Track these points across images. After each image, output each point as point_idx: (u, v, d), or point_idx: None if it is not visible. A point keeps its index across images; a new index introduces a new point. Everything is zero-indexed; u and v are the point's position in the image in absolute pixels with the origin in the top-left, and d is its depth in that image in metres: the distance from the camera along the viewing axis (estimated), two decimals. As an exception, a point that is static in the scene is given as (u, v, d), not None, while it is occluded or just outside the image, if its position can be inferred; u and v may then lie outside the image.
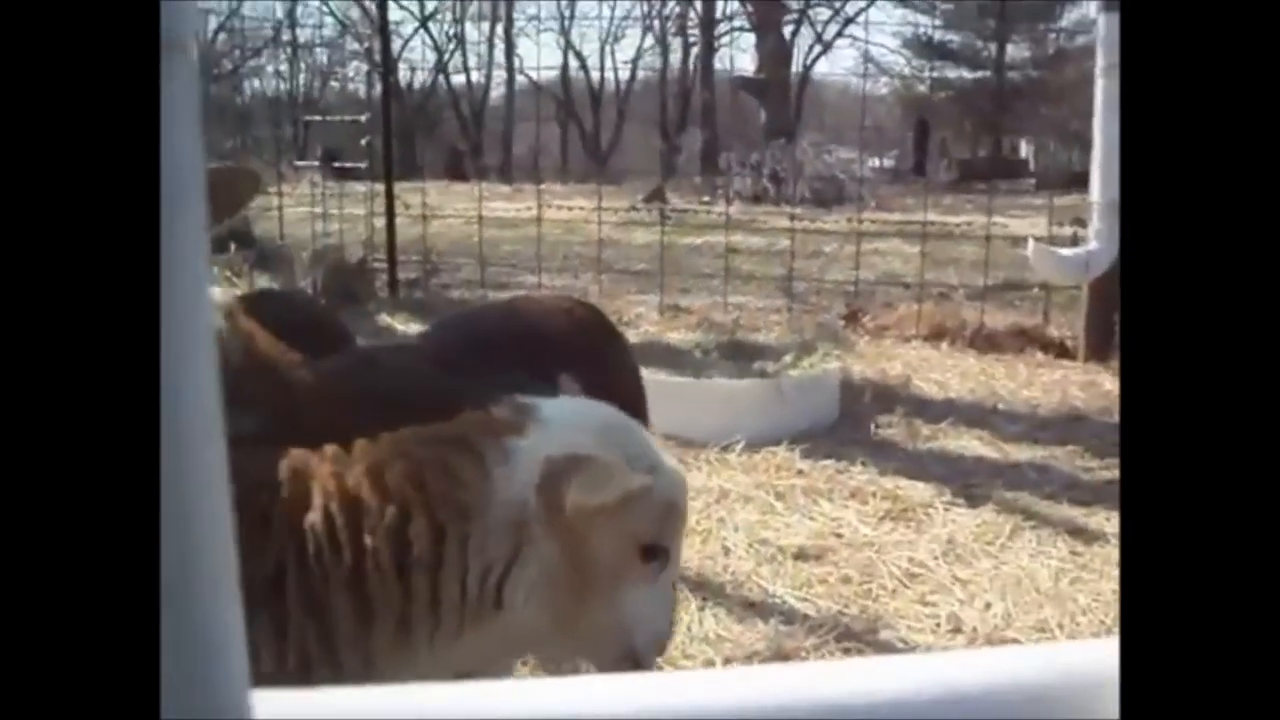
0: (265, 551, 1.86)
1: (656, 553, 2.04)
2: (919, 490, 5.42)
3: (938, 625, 4.12)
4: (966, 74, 35.52)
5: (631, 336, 7.95)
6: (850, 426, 6.50)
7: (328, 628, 1.89)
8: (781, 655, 3.86)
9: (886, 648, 3.92)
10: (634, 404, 3.08)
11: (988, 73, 35.10)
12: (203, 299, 0.50)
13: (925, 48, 35.68)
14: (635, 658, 2.11)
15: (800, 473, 5.66)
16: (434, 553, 1.91)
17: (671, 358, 7.05)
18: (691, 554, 4.71)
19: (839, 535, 4.92)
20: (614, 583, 2.02)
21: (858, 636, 3.99)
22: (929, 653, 3.75)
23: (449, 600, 1.93)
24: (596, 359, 3.01)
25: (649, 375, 6.48)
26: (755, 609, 4.24)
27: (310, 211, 12.34)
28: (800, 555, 4.70)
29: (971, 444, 6.24)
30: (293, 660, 1.86)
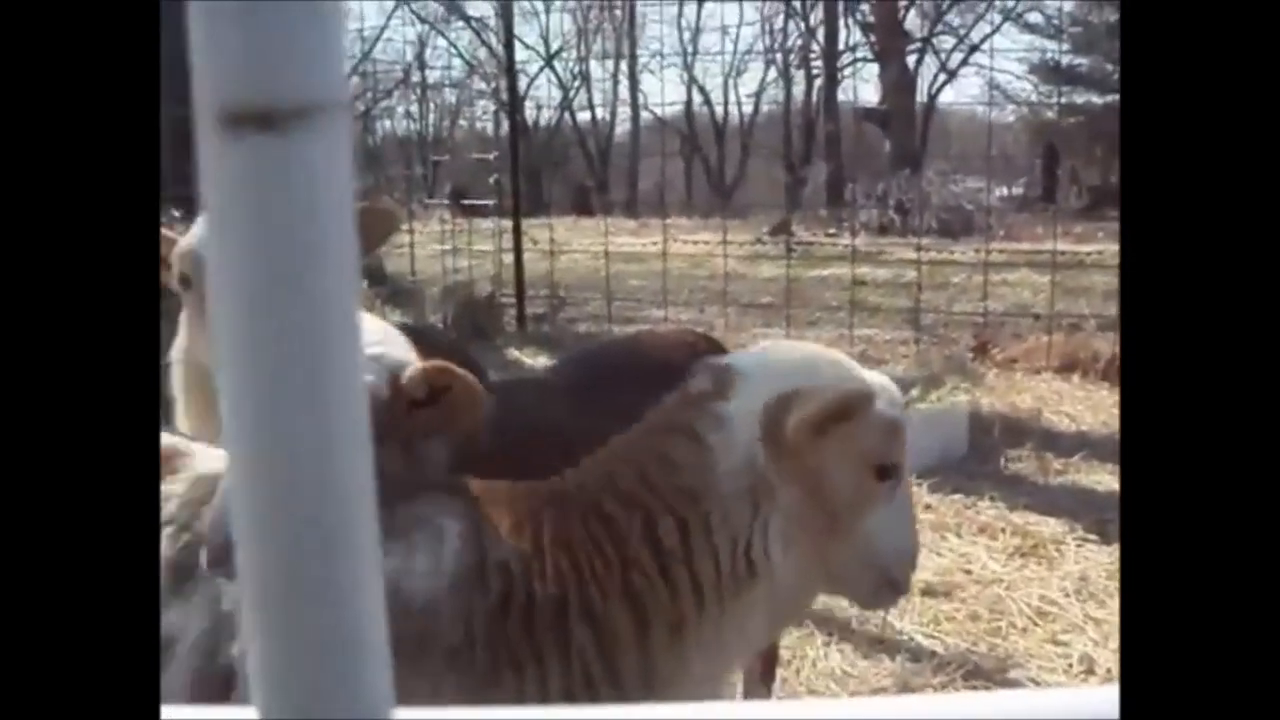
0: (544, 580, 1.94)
1: (889, 471, 2.07)
2: (1050, 526, 5.35)
3: (1070, 665, 4.06)
4: (1096, 98, 34.94)
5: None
6: (979, 460, 6.43)
7: (608, 641, 1.96)
8: (908, 693, 3.84)
9: (1016, 687, 3.88)
10: None
11: (1118, 96, 34.41)
12: (352, 330, 0.55)
13: (1053, 73, 35.18)
14: (892, 582, 2.14)
15: (928, 507, 5.62)
16: (684, 545, 1.97)
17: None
18: (818, 589, 4.70)
19: (967, 571, 4.88)
20: (857, 511, 2.05)
21: (986, 675, 3.95)
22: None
23: (709, 584, 1.99)
24: None
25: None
26: (882, 646, 4.22)
27: (440, 248, 12.54)
28: (928, 591, 4.67)
29: (1104, 478, 6.14)
30: (578, 677, 1.94)
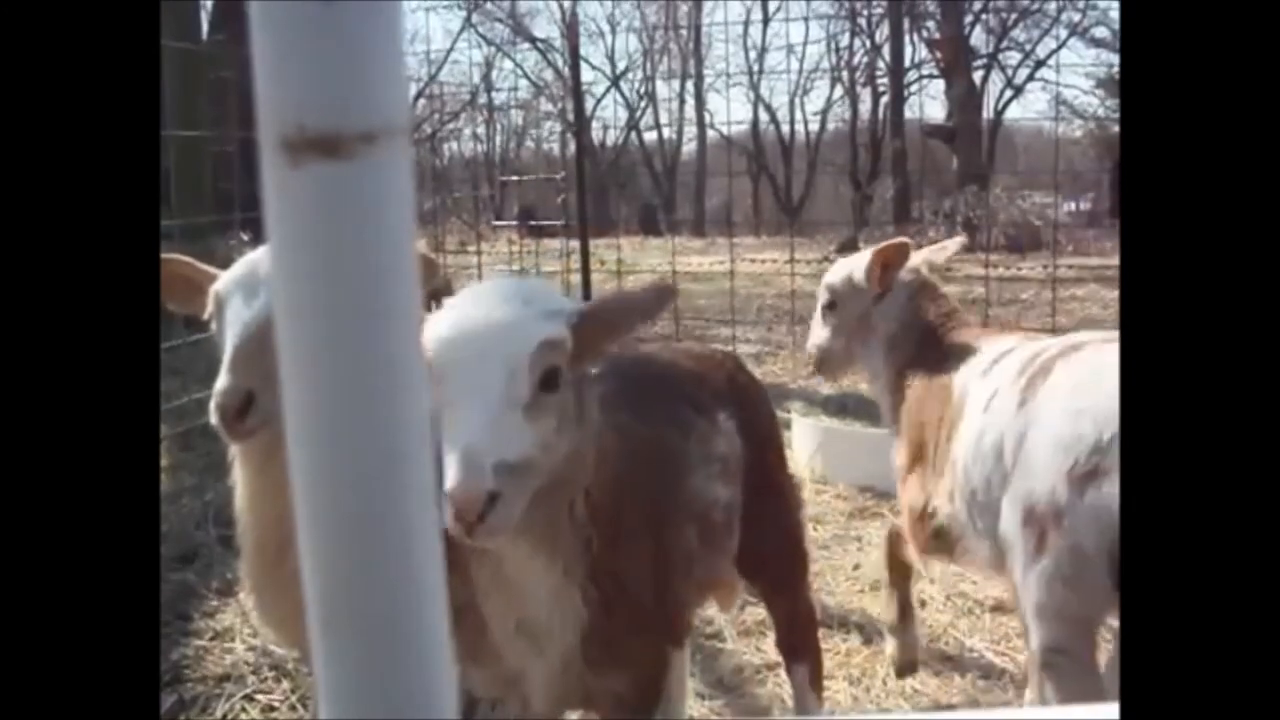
0: None
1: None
2: (1123, 542, 5.28)
3: (1142, 681, 4.01)
4: (1165, 112, 34.39)
5: (827, 388, 7.92)
6: (1049, 477, 6.34)
7: None
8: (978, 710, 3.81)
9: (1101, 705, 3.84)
10: (773, 436, 3.36)
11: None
12: (416, 350, 0.56)
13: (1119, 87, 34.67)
14: None
15: (998, 524, 5.57)
16: None
17: (868, 408, 7.00)
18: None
19: (1038, 588, 4.82)
20: None
21: (1058, 692, 3.91)
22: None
23: None
24: (744, 398, 3.18)
25: (844, 426, 6.49)
26: (952, 663, 4.19)
27: (508, 268, 12.60)
28: (998, 608, 4.63)
29: (1177, 494, 6.05)
30: None
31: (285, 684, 4.12)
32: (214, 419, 2.38)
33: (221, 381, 2.36)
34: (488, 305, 2.04)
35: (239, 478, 2.69)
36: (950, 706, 3.85)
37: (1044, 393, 2.88)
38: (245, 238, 8.32)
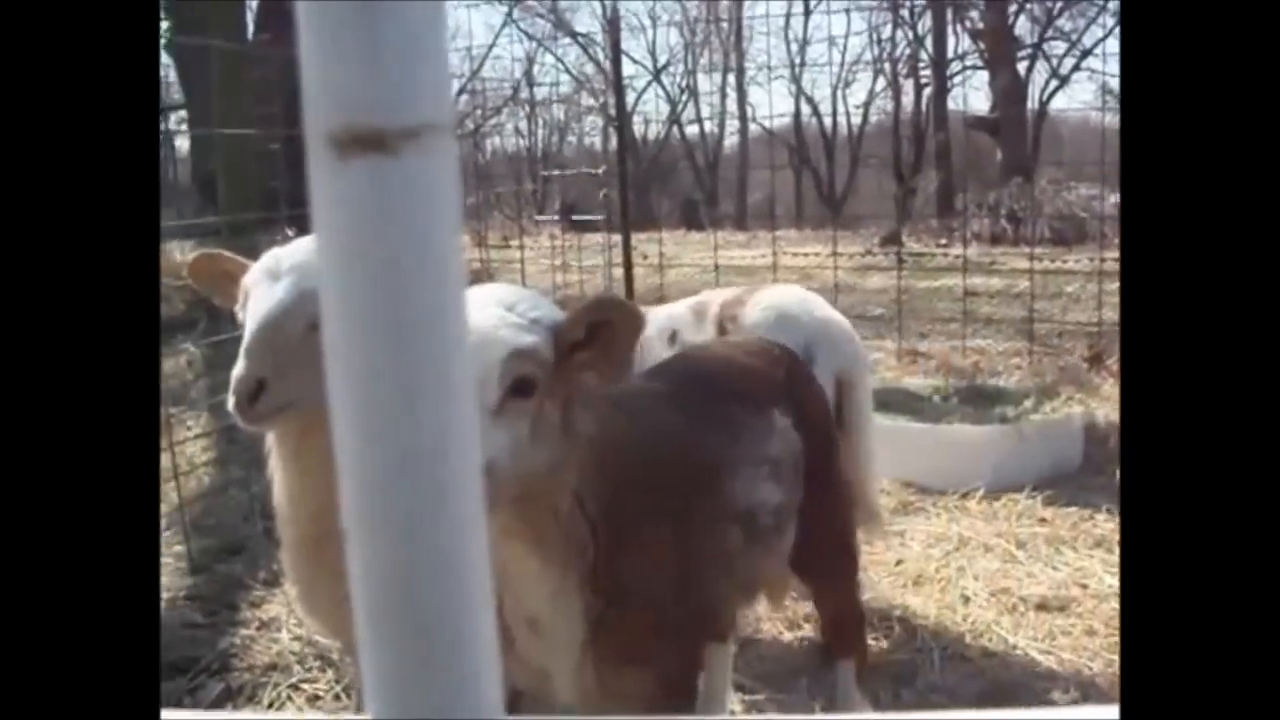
0: None
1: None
2: (1168, 538, 5.25)
3: (1188, 678, 3.99)
4: (1213, 103, 34.03)
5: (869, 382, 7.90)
6: (1094, 472, 6.31)
7: None
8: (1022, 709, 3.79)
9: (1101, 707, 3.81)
10: (828, 434, 3.34)
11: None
12: (460, 344, 0.56)
13: (1169, 78, 34.26)
14: None
15: (1043, 520, 5.55)
16: None
17: (910, 403, 6.99)
18: (929, 602, 4.67)
19: (1084, 586, 4.80)
20: None
21: (1102, 691, 3.89)
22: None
23: None
24: (800, 395, 3.15)
25: (887, 421, 6.48)
26: (995, 660, 4.18)
27: (550, 263, 12.63)
28: (1043, 606, 4.61)
29: (1224, 489, 6.00)
30: None
31: (330, 674, 4.16)
32: (229, 405, 2.43)
33: (237, 368, 2.41)
34: (470, 310, 2.06)
35: (275, 469, 2.72)
36: (992, 705, 3.84)
37: None
38: (291, 234, 8.37)
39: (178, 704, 3.96)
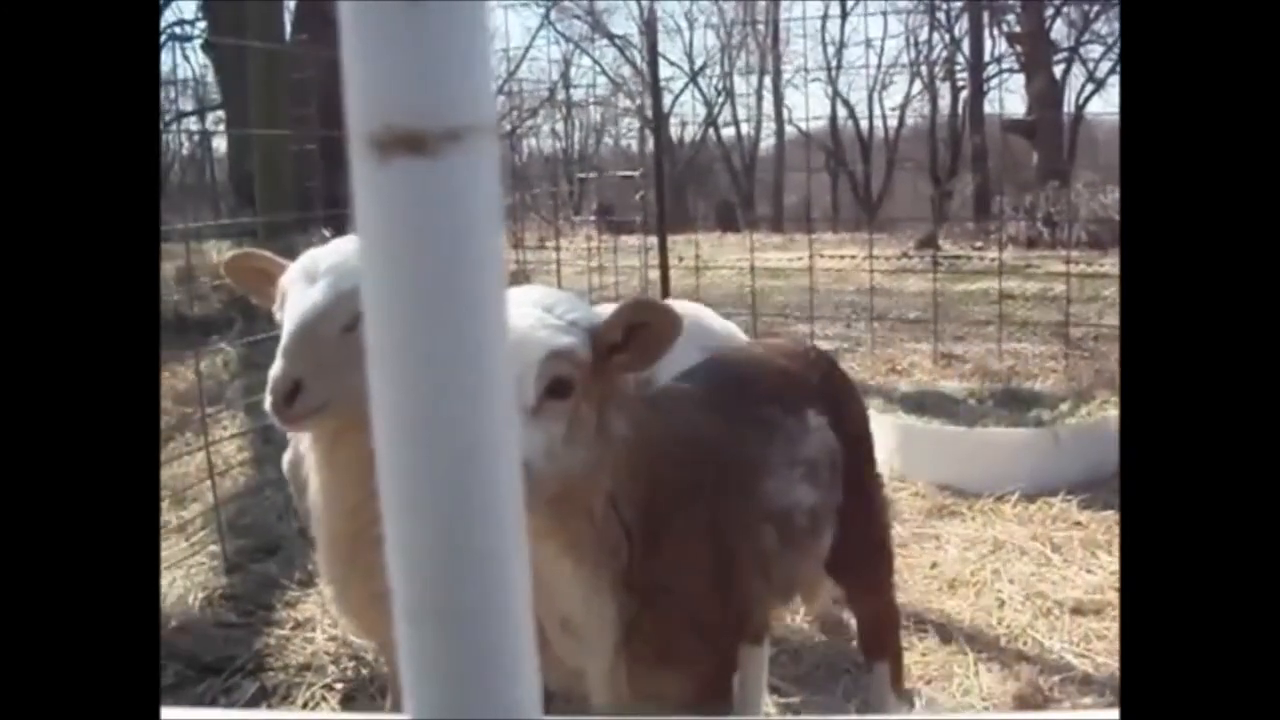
0: None
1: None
2: (1205, 543, 5.21)
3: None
4: (1251, 106, 33.75)
5: (905, 385, 7.89)
6: (1131, 476, 6.28)
7: None
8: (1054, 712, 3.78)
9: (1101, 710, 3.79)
10: (864, 436, 3.33)
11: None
12: (502, 345, 0.57)
13: (1207, 81, 34.00)
14: None
15: (1078, 524, 5.53)
16: None
17: (946, 406, 6.98)
18: (965, 606, 4.65)
19: (1118, 589, 4.78)
20: None
21: (1139, 694, 3.87)
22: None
23: None
24: (836, 397, 3.16)
25: (922, 424, 6.46)
26: (1030, 663, 4.16)
27: (586, 265, 12.64)
28: (1078, 610, 4.59)
29: (1261, 494, 5.96)
30: None
31: (365, 673, 4.17)
32: (266, 405, 2.44)
33: (274, 369, 2.42)
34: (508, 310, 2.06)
35: (310, 469, 2.73)
36: (1026, 709, 3.82)
37: None
38: (327, 234, 8.41)
39: (212, 703, 3.98)
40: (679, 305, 4.85)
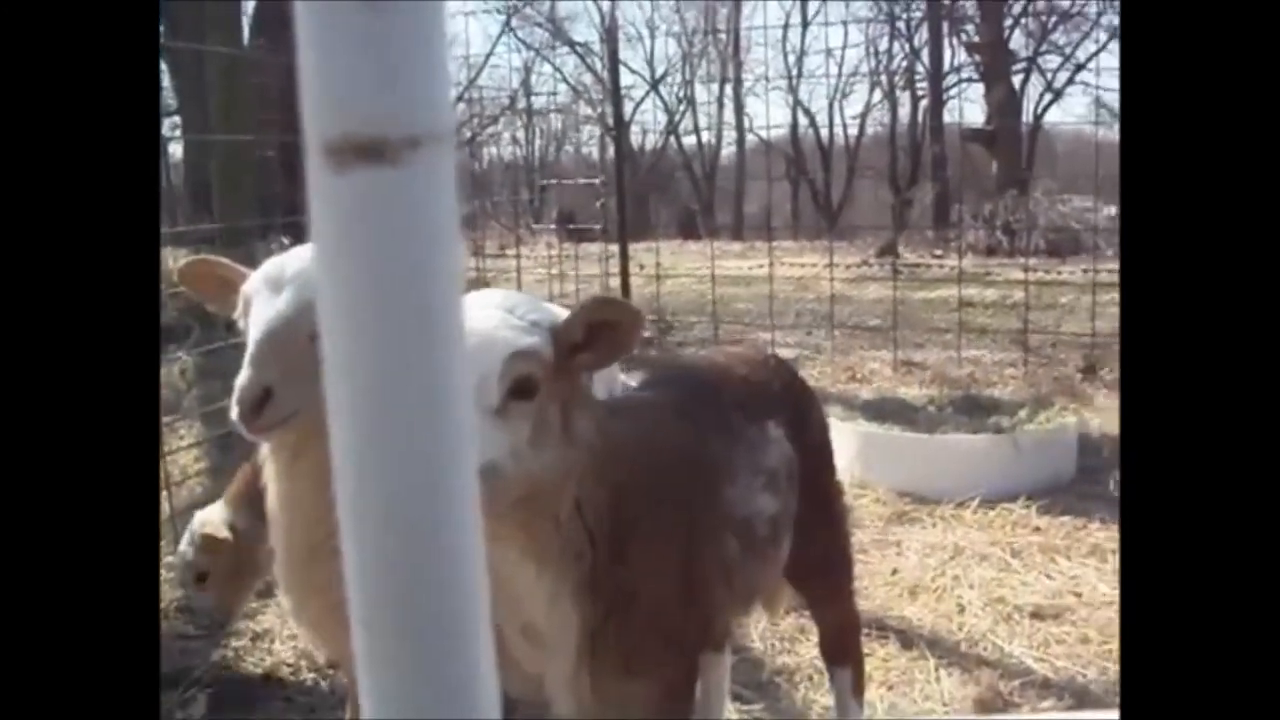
0: None
1: None
2: (1162, 548, 5.25)
3: (1182, 689, 3.99)
4: (1207, 116, 34.01)
5: (865, 392, 7.92)
6: (1089, 482, 6.34)
7: None
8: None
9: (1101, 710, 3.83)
10: (824, 444, 3.33)
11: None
12: (459, 353, 0.56)
13: (1163, 91, 34.21)
14: None
15: (1037, 530, 5.56)
16: None
17: (906, 413, 7.00)
18: (925, 611, 4.67)
19: (1077, 594, 4.82)
20: None
21: (1096, 699, 3.90)
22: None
23: None
24: (797, 405, 3.16)
25: (882, 431, 6.48)
26: (991, 668, 4.18)
27: (547, 273, 12.64)
28: (1037, 614, 4.63)
29: (1218, 500, 6.01)
30: None
31: (324, 685, 4.15)
32: (233, 415, 2.41)
33: (241, 378, 2.39)
34: (469, 313, 2.05)
35: (269, 480, 2.71)
36: (987, 713, 3.84)
37: None
38: (287, 242, 8.36)
39: (168, 717, 3.94)
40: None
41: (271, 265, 2.54)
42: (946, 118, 31.90)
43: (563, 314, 2.22)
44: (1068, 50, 35.55)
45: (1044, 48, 35.29)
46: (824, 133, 40.77)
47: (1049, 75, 36.32)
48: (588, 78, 37.77)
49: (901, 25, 36.50)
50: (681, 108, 42.20)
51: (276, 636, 4.50)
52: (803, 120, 39.87)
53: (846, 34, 41.11)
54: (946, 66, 34.63)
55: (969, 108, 35.96)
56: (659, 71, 41.33)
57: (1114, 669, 4.13)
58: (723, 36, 38.75)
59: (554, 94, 38.86)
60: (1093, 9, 31.86)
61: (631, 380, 5.12)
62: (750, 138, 40.53)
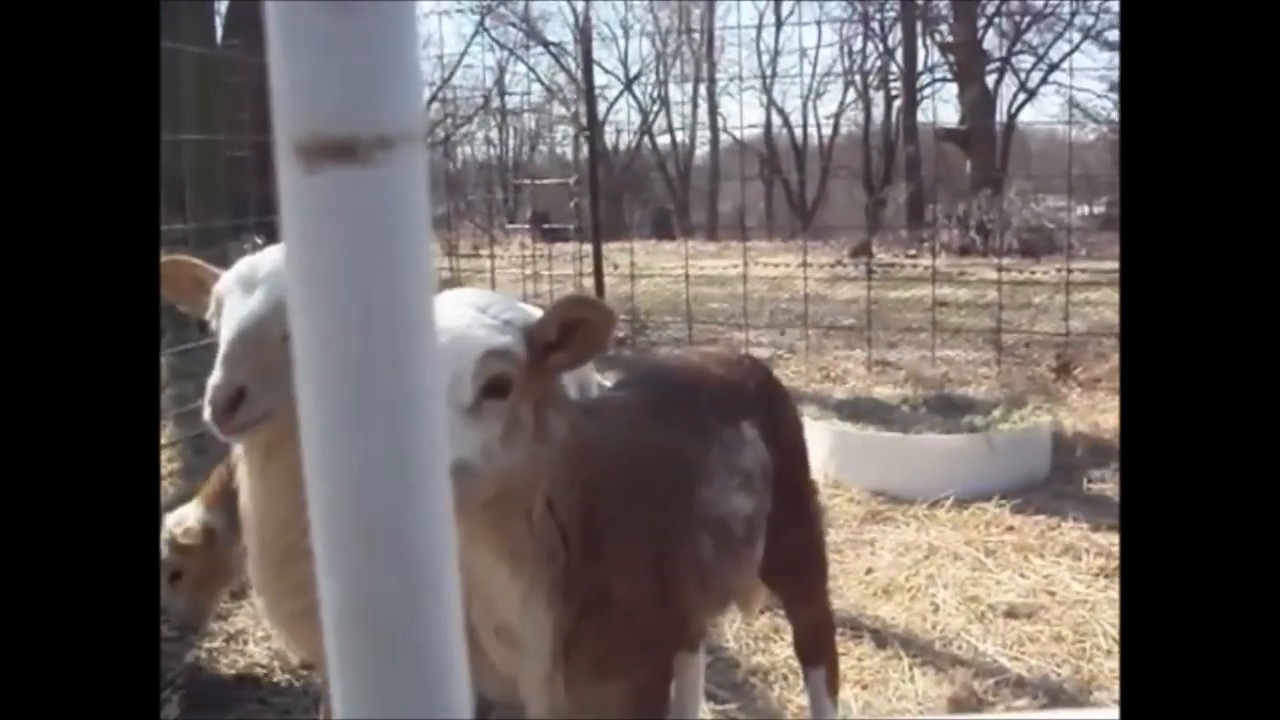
0: None
1: None
2: (1135, 547, 5.27)
3: (1155, 686, 4.00)
4: (1179, 116, 34.20)
5: (839, 392, 7.93)
6: (1062, 481, 6.37)
7: None
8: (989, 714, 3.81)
9: (1100, 709, 3.84)
10: (799, 443, 3.33)
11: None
12: (430, 354, 0.56)
13: (1136, 91, 34.37)
14: None
15: (1011, 529, 5.58)
16: None
17: (880, 413, 7.02)
18: (900, 611, 4.68)
19: (1051, 593, 4.84)
20: None
21: (1070, 697, 3.91)
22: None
23: None
24: (771, 405, 3.17)
25: (856, 431, 6.50)
26: (965, 667, 4.19)
27: (521, 272, 12.63)
28: (1011, 613, 4.64)
29: (1190, 499, 6.04)
30: None
31: (298, 685, 4.13)
32: (206, 415, 2.39)
33: (214, 378, 2.37)
34: (442, 312, 2.05)
35: (242, 481, 2.70)
36: (962, 711, 3.85)
37: None
38: (259, 241, 8.32)
39: (144, 715, 3.92)
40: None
41: (244, 265, 2.53)
42: (920, 117, 32.06)
43: (536, 313, 2.22)
44: (1041, 50, 35.76)
45: (1018, 48, 35.44)
46: (798, 133, 40.88)
47: (1023, 75, 36.51)
48: (562, 77, 37.81)
49: (875, 25, 36.63)
50: (656, 107, 42.31)
51: (250, 637, 4.49)
52: (777, 120, 39.97)
53: (820, 34, 41.31)
54: (920, 66, 34.78)
55: (943, 108, 36.17)
56: (633, 71, 41.44)
57: (1087, 667, 4.15)
58: (697, 36, 38.84)
59: (528, 94, 38.79)
60: (1066, 9, 32.05)
61: (606, 380, 5.12)
62: (724, 137, 40.62)
